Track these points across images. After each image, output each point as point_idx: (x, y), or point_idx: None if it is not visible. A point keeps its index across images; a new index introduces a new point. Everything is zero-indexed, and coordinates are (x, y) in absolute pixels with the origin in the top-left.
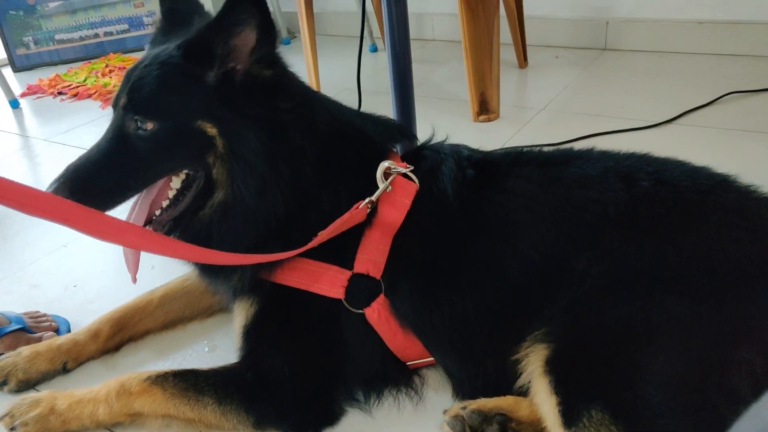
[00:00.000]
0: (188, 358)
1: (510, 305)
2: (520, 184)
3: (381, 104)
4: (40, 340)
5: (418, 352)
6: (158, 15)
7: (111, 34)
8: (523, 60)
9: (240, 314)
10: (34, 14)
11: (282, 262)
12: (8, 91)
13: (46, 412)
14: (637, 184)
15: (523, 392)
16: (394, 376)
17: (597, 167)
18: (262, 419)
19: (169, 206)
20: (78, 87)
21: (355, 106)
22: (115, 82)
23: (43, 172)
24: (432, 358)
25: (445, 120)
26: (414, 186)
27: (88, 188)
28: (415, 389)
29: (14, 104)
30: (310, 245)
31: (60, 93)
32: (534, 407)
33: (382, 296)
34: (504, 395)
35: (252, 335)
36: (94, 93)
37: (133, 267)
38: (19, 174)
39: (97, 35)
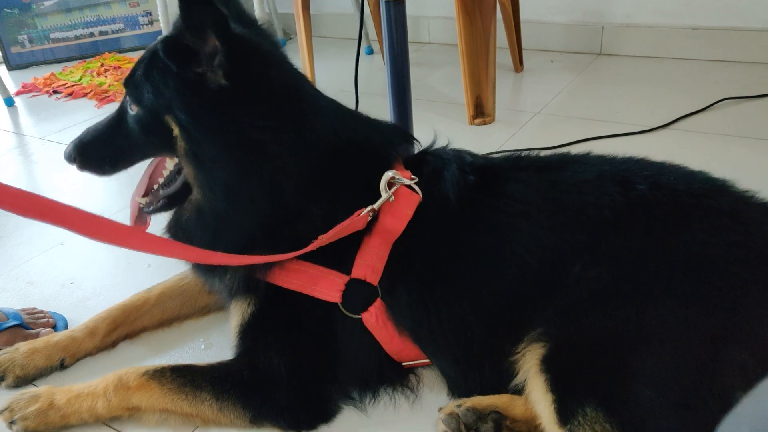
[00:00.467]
0: (184, 356)
1: (507, 309)
2: (519, 189)
3: (377, 106)
4: (37, 336)
5: (414, 354)
6: None
7: (106, 33)
8: (518, 64)
9: (236, 313)
10: (29, 12)
11: (278, 264)
12: (3, 89)
13: (45, 406)
14: (634, 187)
15: (518, 391)
16: (389, 376)
17: (593, 171)
18: (259, 415)
19: (164, 185)
20: (73, 86)
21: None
22: (110, 81)
23: (38, 171)
24: (427, 360)
25: (440, 123)
26: (417, 196)
27: (92, 153)
28: (411, 388)
29: (9, 102)
30: (309, 248)
31: (55, 92)
32: (529, 405)
33: (379, 301)
34: (499, 394)
35: (249, 334)
36: (90, 92)
37: (132, 217)
38: (14, 172)
39: (92, 34)
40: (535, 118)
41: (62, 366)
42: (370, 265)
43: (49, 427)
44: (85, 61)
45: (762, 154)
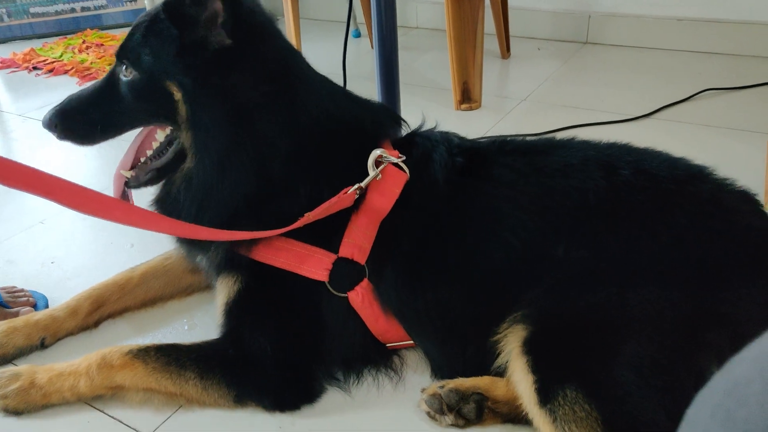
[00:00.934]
0: (168, 336)
1: (491, 290)
2: (505, 173)
3: (364, 89)
4: (17, 315)
5: (398, 335)
6: None
7: (88, 9)
8: (505, 51)
9: (222, 291)
10: None
11: (265, 241)
12: None
13: (26, 385)
14: (617, 173)
15: (500, 373)
16: (374, 357)
17: (578, 156)
18: (243, 394)
19: (153, 156)
20: (54, 62)
21: None
22: (92, 58)
23: (17, 148)
24: (411, 341)
25: (427, 107)
26: (404, 175)
27: (76, 120)
28: (394, 369)
29: None
30: (295, 225)
31: (35, 68)
32: (510, 386)
33: (366, 281)
34: (481, 376)
35: (234, 312)
36: (71, 69)
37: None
38: None
39: (73, 10)
40: (521, 104)
41: (42, 345)
42: (357, 244)
43: (29, 406)
44: (66, 38)
45: (742, 143)
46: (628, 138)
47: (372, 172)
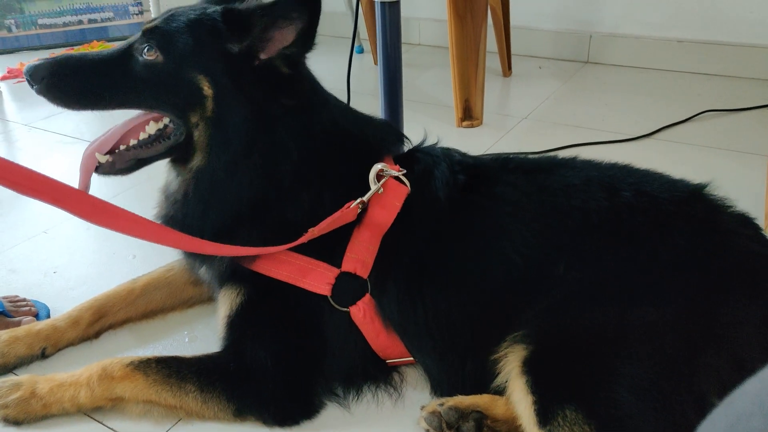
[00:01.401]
0: (168, 348)
1: (492, 308)
2: (508, 191)
3: (366, 105)
4: (19, 324)
5: (398, 352)
6: None
7: (95, 21)
8: (507, 69)
9: (224, 304)
10: None
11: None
12: None
13: (27, 395)
14: (619, 194)
15: (500, 391)
16: (374, 373)
17: (580, 176)
18: (243, 408)
19: (137, 146)
20: None
21: None
22: None
23: (22, 158)
24: (411, 358)
25: (429, 124)
26: (405, 189)
27: (68, 80)
28: (394, 386)
29: None
30: (300, 241)
31: None
32: (510, 406)
33: (368, 296)
34: (481, 394)
35: (236, 325)
36: None
37: (83, 182)
38: None
39: (80, 21)
40: (522, 122)
41: (43, 355)
42: (360, 258)
43: (30, 416)
44: (72, 49)
45: (741, 165)
46: (627, 158)
47: (373, 186)
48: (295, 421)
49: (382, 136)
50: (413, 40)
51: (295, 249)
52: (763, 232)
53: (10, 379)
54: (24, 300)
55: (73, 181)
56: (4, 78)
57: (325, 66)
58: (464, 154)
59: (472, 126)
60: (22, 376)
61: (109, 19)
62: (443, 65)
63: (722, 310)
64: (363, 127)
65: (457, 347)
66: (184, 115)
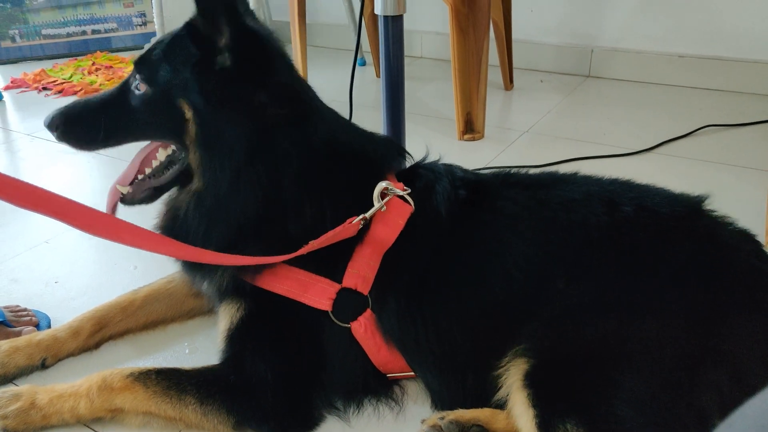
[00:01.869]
0: (168, 359)
1: (493, 322)
2: (508, 206)
3: (368, 117)
4: (19, 334)
5: (399, 366)
6: None
7: (99, 32)
8: (509, 82)
9: (225, 317)
10: (22, 7)
11: (270, 268)
12: None
13: (27, 406)
14: (619, 209)
15: (501, 405)
16: (374, 387)
17: (581, 191)
18: (243, 421)
19: (151, 175)
20: (63, 83)
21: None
22: (101, 80)
23: (24, 167)
24: (412, 372)
25: (430, 137)
26: (409, 208)
27: (80, 124)
28: (395, 399)
29: None
30: (299, 252)
31: (45, 88)
32: (510, 420)
33: (369, 311)
34: (482, 408)
35: (236, 339)
36: (80, 90)
37: (109, 205)
38: (0, 168)
39: (84, 32)
40: (523, 136)
41: (43, 366)
42: (361, 274)
43: (29, 427)
44: (76, 59)
45: (742, 181)
46: (628, 172)
47: (377, 204)
48: None
49: (384, 152)
50: (415, 53)
51: (296, 264)
52: (764, 248)
53: (10, 389)
54: (25, 310)
55: (75, 191)
56: (7, 88)
57: (327, 78)
58: (466, 170)
59: (473, 139)
60: (22, 387)
61: (112, 30)
62: (445, 78)
63: (723, 325)
64: (364, 143)
65: (457, 361)
66: (181, 140)
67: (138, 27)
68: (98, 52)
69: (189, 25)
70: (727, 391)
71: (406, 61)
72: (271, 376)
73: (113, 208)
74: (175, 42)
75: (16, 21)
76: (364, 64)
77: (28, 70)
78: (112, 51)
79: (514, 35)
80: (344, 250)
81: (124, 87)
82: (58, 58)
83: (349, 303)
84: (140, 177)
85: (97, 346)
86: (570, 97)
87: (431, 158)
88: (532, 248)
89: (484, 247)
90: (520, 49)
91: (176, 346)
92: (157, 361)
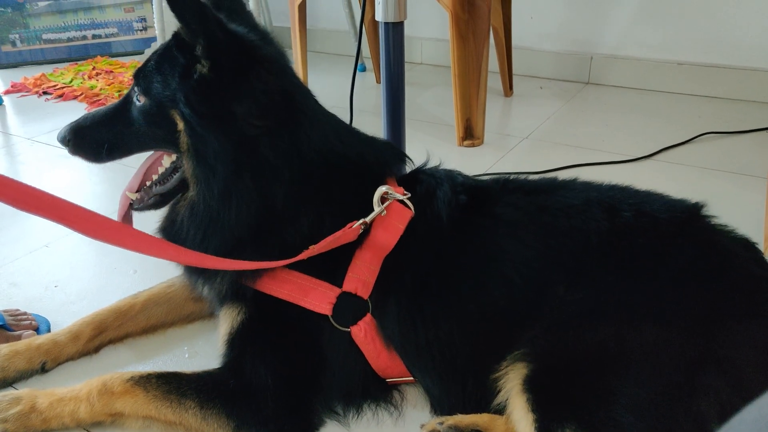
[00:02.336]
0: (168, 363)
1: (492, 327)
2: (508, 211)
3: (368, 123)
4: (19, 338)
5: (399, 371)
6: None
7: (99, 37)
8: (508, 89)
9: (226, 321)
10: (23, 12)
11: (270, 272)
12: None
13: (27, 409)
14: (619, 214)
15: (500, 410)
16: (374, 392)
17: (581, 197)
18: (242, 425)
19: (157, 182)
20: (64, 88)
21: None
22: (102, 85)
23: (24, 171)
24: (411, 377)
25: (429, 143)
26: (409, 212)
27: (89, 138)
28: (394, 404)
29: None
30: (300, 257)
31: (45, 92)
32: (510, 425)
33: (369, 316)
34: (481, 413)
35: (236, 343)
36: (80, 95)
37: (121, 212)
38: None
39: (84, 37)
40: (522, 142)
41: (43, 370)
42: (361, 279)
43: (29, 431)
44: (76, 64)
45: (741, 188)
46: (628, 178)
47: (377, 208)
48: None
49: (384, 157)
50: (415, 59)
51: (296, 268)
52: (763, 255)
53: (10, 393)
54: (24, 314)
55: (75, 196)
56: (7, 92)
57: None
58: (466, 176)
59: (473, 145)
60: (22, 391)
61: (113, 35)
62: (445, 84)
63: (721, 331)
64: (362, 148)
65: (457, 366)
66: (178, 150)
67: (138, 32)
68: (98, 56)
69: (176, 34)
70: (725, 397)
71: (406, 67)
72: (272, 380)
73: (125, 215)
74: (166, 52)
75: (17, 25)
76: (364, 69)
77: (29, 74)
78: (113, 56)
79: (514, 42)
80: (344, 255)
81: (127, 99)
82: (59, 62)
83: (349, 307)
84: (148, 183)
85: (96, 350)
86: (569, 103)
87: (431, 164)
88: (532, 253)
89: (484, 252)
90: (519, 55)
91: (176, 351)
92: (157, 365)
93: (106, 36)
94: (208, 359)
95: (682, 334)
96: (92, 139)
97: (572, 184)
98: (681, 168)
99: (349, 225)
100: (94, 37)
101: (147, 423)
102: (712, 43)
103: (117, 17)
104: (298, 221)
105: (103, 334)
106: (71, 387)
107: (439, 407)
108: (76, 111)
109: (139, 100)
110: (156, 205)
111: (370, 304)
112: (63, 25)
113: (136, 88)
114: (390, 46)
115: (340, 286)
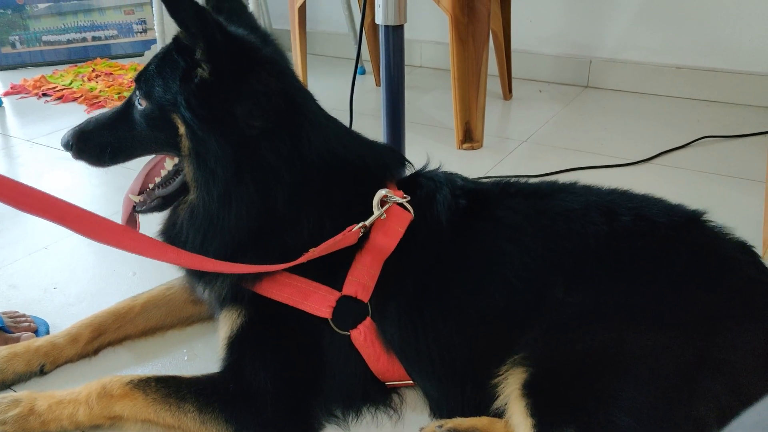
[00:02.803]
0: (167, 366)
1: (492, 331)
2: (508, 215)
3: (368, 126)
4: (18, 340)
5: (398, 374)
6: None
7: (99, 39)
8: (508, 92)
9: (225, 325)
10: (23, 14)
11: (270, 275)
12: None
13: (26, 412)
14: (618, 218)
15: (499, 414)
16: (373, 395)
17: (580, 201)
18: (242, 429)
19: (159, 185)
20: (63, 90)
21: None
22: (101, 87)
23: (24, 173)
24: (411, 381)
25: (429, 146)
26: (409, 216)
27: (92, 142)
28: (394, 408)
29: None
30: (299, 260)
31: (45, 94)
32: (509, 428)
33: (369, 319)
34: (480, 416)
35: (236, 346)
36: (80, 97)
37: (124, 215)
38: None
39: (84, 39)
40: (522, 145)
41: (42, 372)
42: (361, 282)
43: None
44: (76, 66)
45: (739, 192)
46: (626, 182)
47: (377, 212)
48: None
49: (384, 161)
50: (415, 62)
51: (296, 271)
52: (761, 260)
53: (9, 395)
54: (23, 316)
55: (74, 197)
56: (7, 93)
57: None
58: (466, 179)
59: (472, 148)
60: (21, 393)
61: (113, 37)
62: (444, 87)
63: (720, 335)
64: (363, 151)
65: (456, 370)
66: (180, 153)
67: (138, 34)
68: (98, 58)
69: (176, 37)
70: (725, 401)
71: (406, 70)
72: (271, 384)
73: (128, 218)
74: (166, 56)
75: (17, 27)
76: (363, 72)
77: (28, 76)
78: (112, 58)
79: (514, 45)
80: (344, 258)
81: (129, 103)
82: (58, 64)
83: (349, 311)
84: (150, 186)
85: (95, 352)
86: (568, 107)
87: (431, 167)
88: (531, 257)
89: (484, 255)
90: (519, 59)
91: (175, 353)
92: (156, 368)
93: (106, 38)
94: (207, 362)
95: (681, 337)
96: (95, 144)
97: (572, 188)
98: (679, 172)
99: (349, 228)
100: (93, 39)
101: (146, 426)
102: (711, 47)
103: (117, 19)
104: (299, 224)
105: (102, 337)
106: (70, 390)
107: (439, 410)
108: (75, 113)
109: (141, 104)
110: (159, 208)
111: (369, 308)
112: (63, 27)
113: (137, 92)
114: (390, 49)
115: (339, 289)
